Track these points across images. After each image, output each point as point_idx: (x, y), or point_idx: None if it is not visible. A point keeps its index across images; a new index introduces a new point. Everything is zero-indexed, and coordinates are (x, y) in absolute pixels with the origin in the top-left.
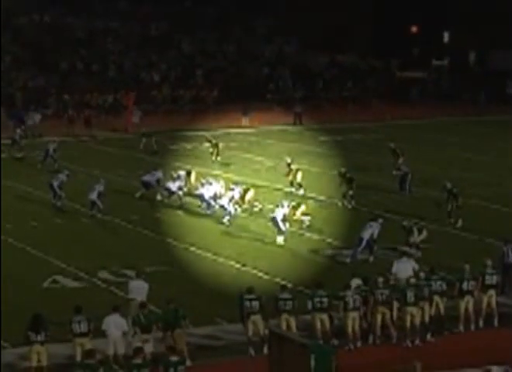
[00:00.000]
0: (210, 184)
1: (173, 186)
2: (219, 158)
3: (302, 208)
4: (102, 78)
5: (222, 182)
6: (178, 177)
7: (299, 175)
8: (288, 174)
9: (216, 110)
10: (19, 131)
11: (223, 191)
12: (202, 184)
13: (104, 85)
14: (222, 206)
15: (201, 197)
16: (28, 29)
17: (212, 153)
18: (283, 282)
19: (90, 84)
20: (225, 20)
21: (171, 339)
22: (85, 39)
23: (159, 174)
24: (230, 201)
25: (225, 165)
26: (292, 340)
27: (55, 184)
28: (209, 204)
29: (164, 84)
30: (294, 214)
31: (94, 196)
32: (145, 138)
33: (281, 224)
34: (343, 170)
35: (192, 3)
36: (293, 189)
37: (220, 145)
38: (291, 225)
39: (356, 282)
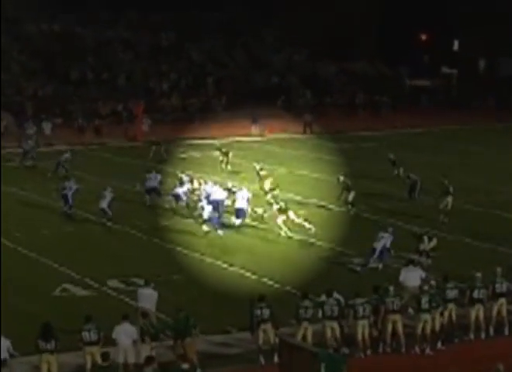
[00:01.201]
0: (209, 185)
1: (181, 191)
2: (229, 167)
3: (291, 214)
4: (111, 87)
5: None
6: (182, 182)
7: (268, 181)
8: (260, 181)
9: (225, 118)
10: (30, 141)
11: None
12: (201, 185)
13: (114, 94)
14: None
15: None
16: (37, 38)
17: (221, 162)
18: (287, 288)
19: (100, 93)
20: (233, 29)
21: (181, 347)
22: (95, 49)
23: (159, 177)
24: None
25: (234, 173)
26: (302, 349)
27: (69, 193)
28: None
29: (173, 92)
30: (286, 217)
31: (104, 204)
32: (154, 146)
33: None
34: (341, 177)
35: (200, 12)
36: (268, 196)
37: (230, 154)
38: (296, 233)
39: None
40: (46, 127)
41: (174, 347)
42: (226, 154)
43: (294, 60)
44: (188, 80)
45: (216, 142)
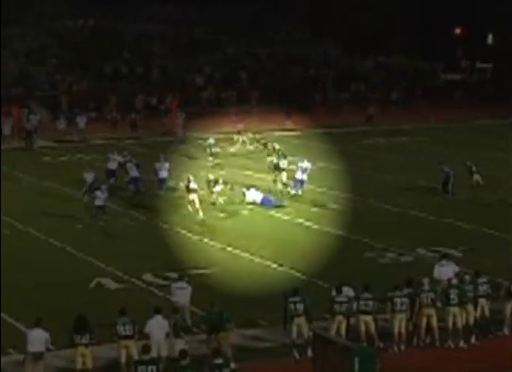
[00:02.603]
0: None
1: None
2: (269, 158)
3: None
4: (146, 81)
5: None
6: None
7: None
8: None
9: (259, 112)
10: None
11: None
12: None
13: (148, 88)
14: None
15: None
16: (72, 32)
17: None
18: (320, 283)
19: (134, 86)
20: (268, 22)
21: (214, 341)
22: (130, 42)
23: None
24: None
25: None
26: (336, 343)
27: (88, 178)
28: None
29: (208, 86)
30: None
31: (101, 202)
32: (239, 136)
33: None
34: (274, 159)
35: (236, 6)
36: None
37: (269, 144)
38: (326, 226)
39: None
40: (81, 121)
41: (207, 341)
42: (265, 145)
43: (329, 54)
44: (222, 74)
45: (256, 135)
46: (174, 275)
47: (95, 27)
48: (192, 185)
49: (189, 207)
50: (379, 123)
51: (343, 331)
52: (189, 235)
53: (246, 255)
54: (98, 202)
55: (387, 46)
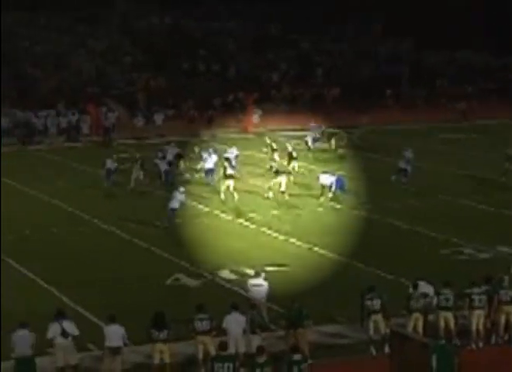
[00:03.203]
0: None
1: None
2: (339, 150)
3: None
4: (223, 78)
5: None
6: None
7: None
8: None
9: (335, 108)
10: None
11: None
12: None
13: (224, 85)
14: None
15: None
16: (148, 31)
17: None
18: (402, 280)
19: (210, 84)
20: (340, 19)
21: (292, 337)
22: (205, 40)
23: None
24: None
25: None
26: (413, 340)
27: (112, 167)
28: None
29: (283, 83)
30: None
31: (176, 205)
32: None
33: None
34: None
35: (307, 2)
36: None
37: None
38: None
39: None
40: (158, 118)
41: (285, 337)
42: (329, 139)
43: (400, 49)
44: (297, 71)
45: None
46: (250, 272)
47: (169, 25)
48: (229, 171)
49: (222, 194)
50: (454, 119)
51: (420, 328)
52: (263, 229)
53: (322, 251)
54: (175, 204)
55: (458, 42)
